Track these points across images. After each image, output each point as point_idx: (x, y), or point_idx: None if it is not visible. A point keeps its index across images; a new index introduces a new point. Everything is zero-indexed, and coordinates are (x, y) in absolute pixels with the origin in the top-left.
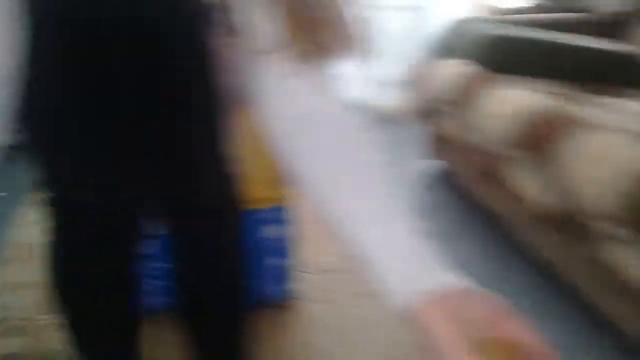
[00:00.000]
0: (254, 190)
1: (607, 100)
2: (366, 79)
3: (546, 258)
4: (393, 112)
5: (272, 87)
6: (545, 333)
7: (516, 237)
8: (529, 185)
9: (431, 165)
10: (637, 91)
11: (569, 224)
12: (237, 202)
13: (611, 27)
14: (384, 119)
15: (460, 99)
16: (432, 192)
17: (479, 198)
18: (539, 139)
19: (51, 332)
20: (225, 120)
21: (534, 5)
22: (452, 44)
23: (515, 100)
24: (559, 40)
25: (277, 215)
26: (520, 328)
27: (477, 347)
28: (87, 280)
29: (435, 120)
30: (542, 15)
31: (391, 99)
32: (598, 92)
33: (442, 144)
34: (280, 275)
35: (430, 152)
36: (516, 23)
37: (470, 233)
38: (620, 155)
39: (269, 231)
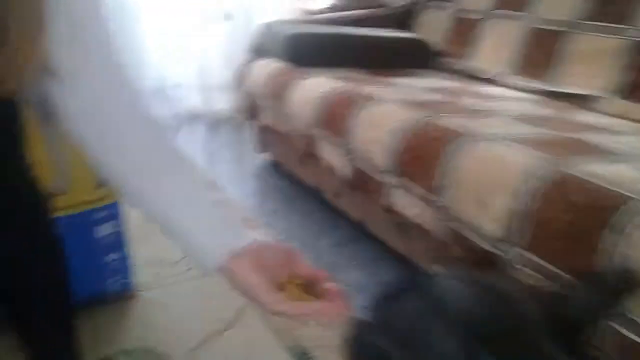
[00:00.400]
0: (83, 192)
1: (391, 79)
2: (201, 86)
3: (357, 216)
4: (228, 114)
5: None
6: (358, 276)
7: (334, 204)
8: (335, 156)
9: (263, 158)
10: (418, 70)
11: (365, 182)
12: (42, 209)
13: (403, 18)
14: (221, 122)
15: (273, 93)
16: (264, 181)
17: (302, 178)
18: (336, 116)
19: None
20: (20, 132)
21: (338, 4)
22: (264, 45)
23: (316, 87)
24: (347, 33)
25: (109, 213)
26: (310, 267)
27: (280, 286)
28: None
29: (258, 116)
30: (344, 13)
31: (226, 102)
32: (384, 73)
33: (267, 137)
34: (119, 269)
35: (259, 146)
36: (318, 21)
37: (298, 208)
38: (393, 119)
39: (103, 229)
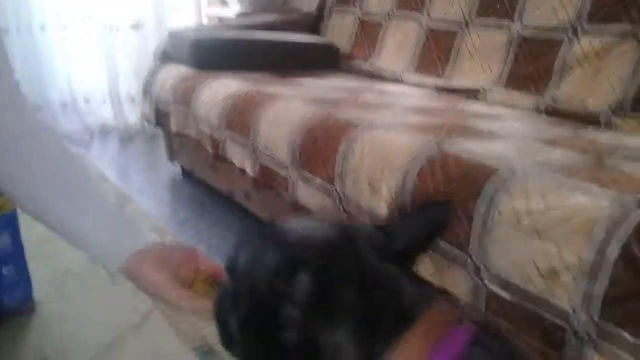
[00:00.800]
0: None
1: (297, 80)
2: (112, 99)
3: (266, 215)
4: (140, 126)
5: None
6: None
7: (245, 206)
8: (242, 156)
9: (174, 167)
10: (325, 72)
11: (271, 179)
12: None
13: (314, 23)
14: (134, 134)
15: (180, 99)
16: (176, 190)
17: (213, 183)
18: (241, 116)
19: None
20: None
21: (250, 11)
22: (169, 52)
23: (222, 90)
24: (252, 37)
25: (4, 223)
26: (214, 262)
27: (186, 283)
28: None
29: (167, 123)
30: (255, 18)
31: (138, 114)
32: (291, 75)
33: (178, 145)
34: (16, 282)
35: (170, 154)
36: (228, 27)
37: (208, 214)
38: (295, 115)
39: None
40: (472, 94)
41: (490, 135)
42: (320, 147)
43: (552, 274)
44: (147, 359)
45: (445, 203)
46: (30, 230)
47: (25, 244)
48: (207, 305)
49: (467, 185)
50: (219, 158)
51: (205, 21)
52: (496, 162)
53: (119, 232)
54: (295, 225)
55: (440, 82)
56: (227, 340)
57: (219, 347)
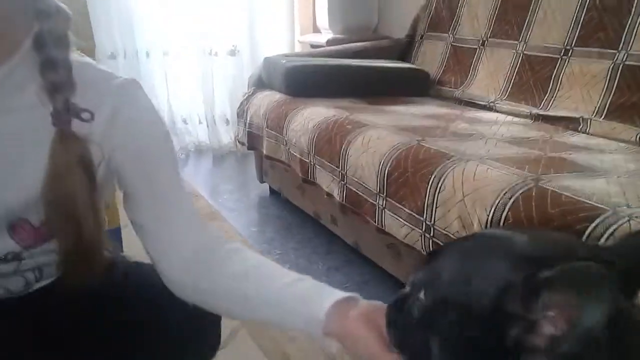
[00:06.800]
0: None
1: (388, 107)
2: (207, 120)
3: (352, 240)
4: (233, 147)
5: None
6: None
7: (331, 229)
8: (330, 181)
9: (264, 187)
10: (416, 99)
11: (359, 205)
12: None
13: (405, 49)
14: (226, 154)
15: (273, 124)
16: (264, 210)
17: (301, 206)
18: (331, 143)
19: None
20: None
21: (342, 38)
22: (265, 78)
23: (313, 116)
24: (345, 64)
25: (109, 235)
26: None
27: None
28: None
29: (259, 146)
30: (346, 45)
31: (231, 135)
32: (382, 102)
33: (268, 167)
34: None
35: (261, 175)
36: (319, 54)
37: (295, 235)
38: (385, 144)
39: None
40: (570, 124)
41: (593, 171)
42: (409, 177)
43: None
44: None
45: None
46: (130, 247)
47: None
48: None
49: (568, 227)
50: (308, 181)
51: (297, 48)
52: (603, 202)
53: (312, 296)
54: (507, 233)
55: (537, 110)
56: None
57: None
